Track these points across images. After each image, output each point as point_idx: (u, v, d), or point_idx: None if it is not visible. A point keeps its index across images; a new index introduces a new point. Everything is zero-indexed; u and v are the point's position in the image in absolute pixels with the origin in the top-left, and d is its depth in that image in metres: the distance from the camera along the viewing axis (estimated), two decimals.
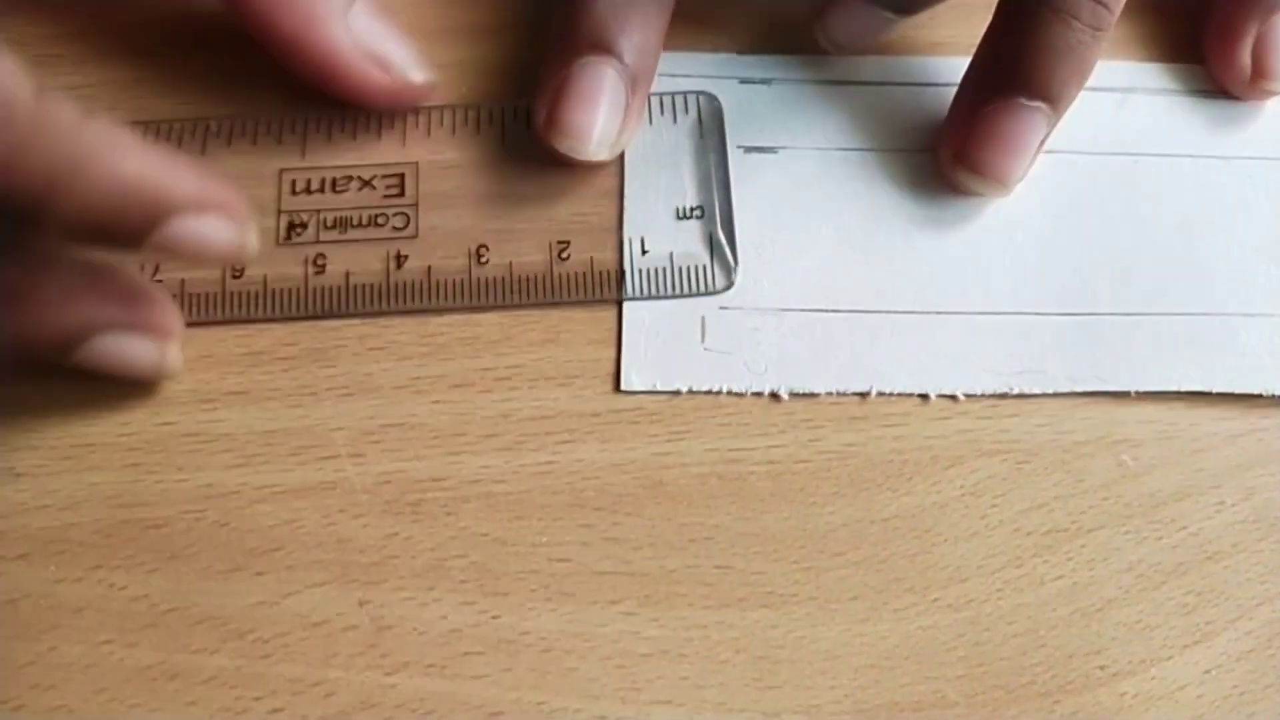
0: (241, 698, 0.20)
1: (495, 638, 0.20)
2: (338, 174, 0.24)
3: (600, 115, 0.23)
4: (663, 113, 0.24)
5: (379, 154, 0.24)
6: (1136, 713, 0.20)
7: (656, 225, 0.23)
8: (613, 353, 0.23)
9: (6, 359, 0.21)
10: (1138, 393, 0.23)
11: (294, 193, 0.24)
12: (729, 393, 0.22)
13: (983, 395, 0.23)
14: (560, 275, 0.23)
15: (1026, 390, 0.22)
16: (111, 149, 0.19)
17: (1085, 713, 0.20)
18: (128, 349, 0.21)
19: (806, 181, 0.24)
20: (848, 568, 0.21)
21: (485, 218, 0.23)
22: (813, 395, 0.22)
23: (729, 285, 0.23)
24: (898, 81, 0.25)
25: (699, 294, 0.23)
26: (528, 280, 0.23)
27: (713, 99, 0.25)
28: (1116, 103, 0.25)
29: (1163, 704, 0.21)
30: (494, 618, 0.21)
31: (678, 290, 0.23)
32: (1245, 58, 0.25)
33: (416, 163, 0.24)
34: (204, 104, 0.25)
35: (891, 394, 0.22)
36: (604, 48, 0.23)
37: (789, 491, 0.22)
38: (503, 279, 0.23)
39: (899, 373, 0.23)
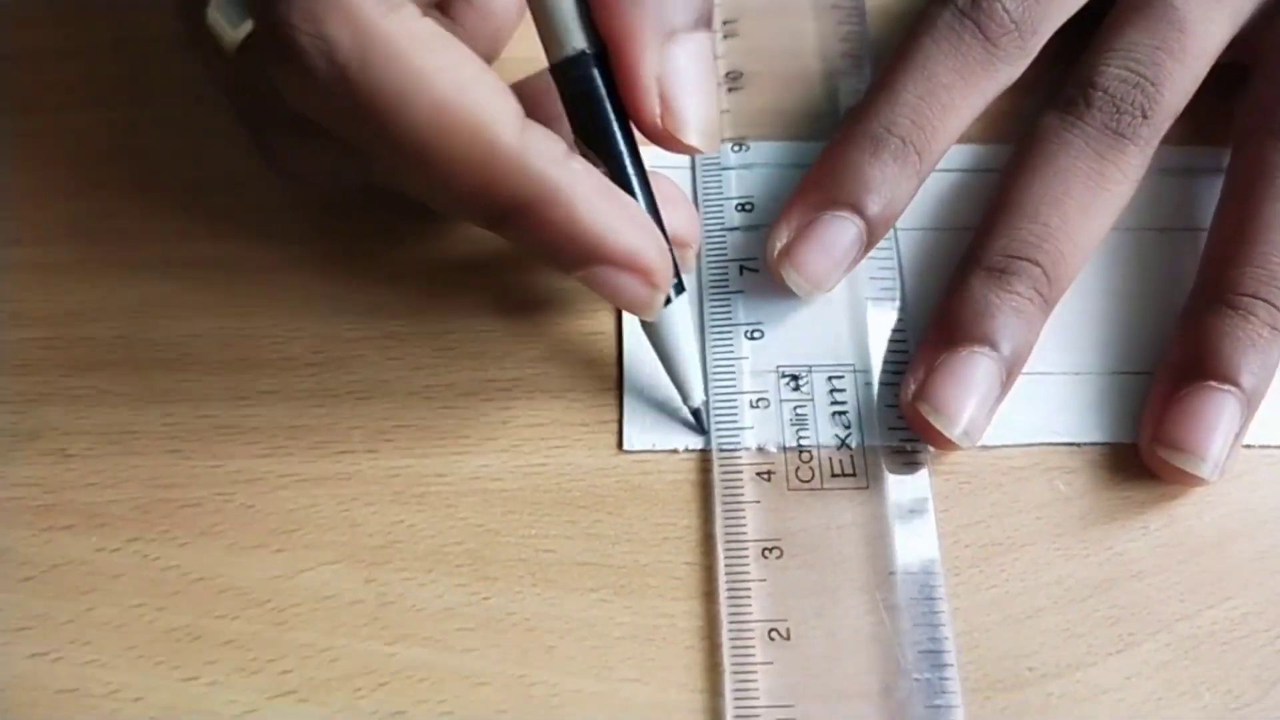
0: (256, 659, 0.22)
1: (485, 617, 0.23)
2: None
3: (972, 404, 0.24)
4: None
5: None
6: (1061, 712, 0.22)
7: None
8: (607, 371, 0.26)
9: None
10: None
11: None
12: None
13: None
14: None
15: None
16: (574, 194, 0.20)
17: (1013, 710, 0.22)
18: (623, 285, 0.22)
19: None
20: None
21: None
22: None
23: None
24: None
25: None
26: None
27: None
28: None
29: (1086, 705, 0.22)
30: (485, 599, 0.23)
31: None
32: None
33: None
34: None
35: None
36: (988, 341, 0.24)
37: None
38: None
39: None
